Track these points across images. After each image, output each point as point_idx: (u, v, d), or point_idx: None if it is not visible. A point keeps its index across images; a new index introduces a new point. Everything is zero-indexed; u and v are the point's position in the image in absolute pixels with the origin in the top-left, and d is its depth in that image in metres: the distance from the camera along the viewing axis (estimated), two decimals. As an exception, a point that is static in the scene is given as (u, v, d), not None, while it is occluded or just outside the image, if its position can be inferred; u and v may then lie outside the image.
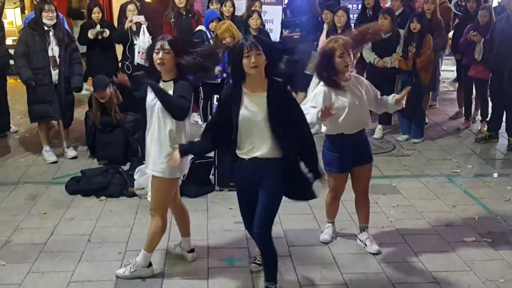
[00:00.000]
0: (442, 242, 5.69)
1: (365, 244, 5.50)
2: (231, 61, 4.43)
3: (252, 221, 4.42)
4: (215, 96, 8.01)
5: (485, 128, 8.95)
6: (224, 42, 7.80)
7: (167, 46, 4.55)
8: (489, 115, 8.99)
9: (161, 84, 4.65)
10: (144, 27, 8.74)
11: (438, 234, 5.85)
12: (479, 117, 9.47)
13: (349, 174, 5.49)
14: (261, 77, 4.29)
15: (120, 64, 9.12)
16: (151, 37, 8.56)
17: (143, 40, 8.72)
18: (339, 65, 4.99)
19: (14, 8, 12.93)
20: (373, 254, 5.38)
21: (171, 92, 4.56)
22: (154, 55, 4.59)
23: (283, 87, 4.39)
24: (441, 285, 4.90)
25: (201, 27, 8.74)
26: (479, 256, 5.41)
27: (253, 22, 8.77)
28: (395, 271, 5.16)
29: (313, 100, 5.15)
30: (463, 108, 9.68)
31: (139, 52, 8.75)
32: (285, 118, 4.28)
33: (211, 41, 8.42)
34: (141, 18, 8.64)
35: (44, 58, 7.48)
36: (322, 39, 8.68)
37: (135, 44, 8.71)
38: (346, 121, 5.11)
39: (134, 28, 8.65)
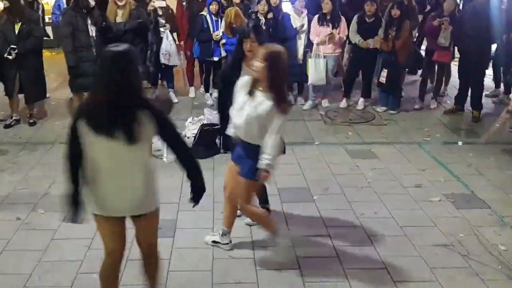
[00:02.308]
0: (412, 201, 5.70)
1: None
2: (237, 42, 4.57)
3: None
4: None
5: (434, 106, 8.91)
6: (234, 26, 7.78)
7: None
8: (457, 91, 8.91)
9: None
10: (168, 32, 8.65)
11: (409, 194, 5.86)
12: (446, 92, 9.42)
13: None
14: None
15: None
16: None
17: (166, 43, 8.66)
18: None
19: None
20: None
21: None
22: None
23: None
24: (409, 238, 4.93)
25: (204, 12, 8.55)
26: (443, 214, 5.43)
27: (261, 7, 8.52)
28: (371, 224, 5.19)
29: None
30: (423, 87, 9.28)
31: (162, 54, 8.68)
32: None
33: (210, 24, 8.37)
34: (162, 3, 8.47)
35: (86, 37, 7.41)
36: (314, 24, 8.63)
37: (160, 26, 8.53)
38: None
39: (159, 12, 8.44)
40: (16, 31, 7.34)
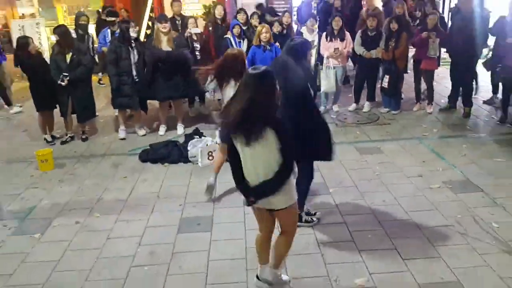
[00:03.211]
0: (415, 189, 5.72)
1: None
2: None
3: None
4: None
5: (431, 110, 8.75)
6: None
7: None
8: (449, 92, 8.88)
9: None
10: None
11: (412, 183, 5.88)
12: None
13: None
14: None
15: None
16: None
17: (211, 84, 8.73)
18: None
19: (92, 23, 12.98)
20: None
21: None
22: None
23: None
24: (414, 221, 4.97)
25: (228, 35, 8.53)
26: (442, 199, 5.44)
27: (275, 28, 8.60)
28: (381, 210, 5.23)
29: None
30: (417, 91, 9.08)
31: (209, 91, 8.52)
32: None
33: (234, 45, 8.38)
34: (198, 30, 8.56)
35: (128, 64, 7.58)
36: (323, 40, 8.71)
37: (196, 50, 8.59)
38: None
39: (194, 38, 8.52)
40: (68, 61, 7.44)
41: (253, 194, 3.53)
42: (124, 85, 7.67)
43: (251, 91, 3.29)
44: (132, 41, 7.62)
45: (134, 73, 7.67)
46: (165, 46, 7.75)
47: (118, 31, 8.20)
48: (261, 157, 3.41)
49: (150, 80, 7.80)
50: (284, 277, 4.07)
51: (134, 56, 7.64)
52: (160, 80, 7.85)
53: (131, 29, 7.59)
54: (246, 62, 8.35)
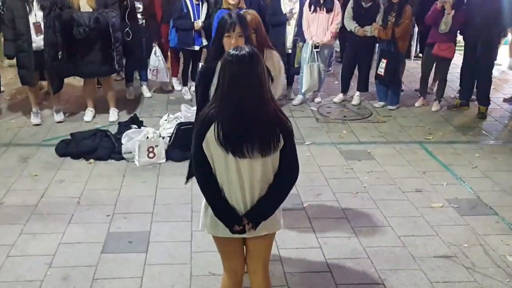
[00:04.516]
0: (411, 207, 5.78)
1: None
2: (215, 34, 4.27)
3: None
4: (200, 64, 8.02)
5: (437, 108, 8.90)
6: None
7: None
8: (460, 83, 9.02)
9: None
10: (156, 47, 8.87)
11: (408, 200, 5.94)
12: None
13: None
14: None
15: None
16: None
17: (154, 59, 8.89)
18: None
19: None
20: None
21: None
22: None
23: None
24: (408, 249, 5.01)
25: None
26: (445, 222, 5.51)
27: None
28: (366, 235, 5.25)
29: None
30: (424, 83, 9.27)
31: (150, 70, 8.95)
32: None
33: (190, 8, 8.40)
34: None
35: (24, 24, 7.43)
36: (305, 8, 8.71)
37: (137, 12, 8.57)
38: None
39: None
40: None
41: (251, 218, 3.31)
42: (20, 53, 7.55)
43: (250, 79, 3.07)
44: None
45: (35, 37, 7.51)
46: (84, 4, 7.67)
47: None
48: (259, 168, 3.22)
49: (62, 51, 7.62)
50: None
51: (34, 14, 7.48)
52: (78, 53, 7.76)
53: None
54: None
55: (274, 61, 4.77)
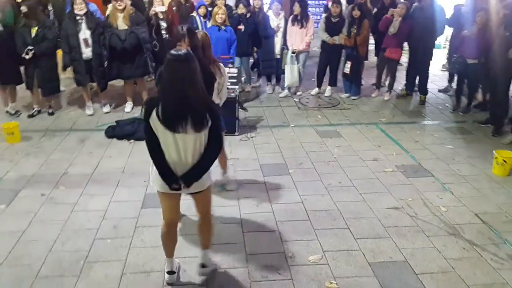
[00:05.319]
0: (369, 172, 5.82)
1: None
2: (172, 41, 4.25)
3: None
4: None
5: (388, 98, 8.84)
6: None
7: None
8: (406, 78, 9.01)
9: None
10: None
11: (367, 167, 5.99)
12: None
13: None
14: None
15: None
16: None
17: None
18: None
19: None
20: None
21: None
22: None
23: None
24: (367, 203, 5.07)
25: (193, 14, 8.50)
26: (395, 182, 5.56)
27: (240, 10, 8.56)
28: (337, 192, 5.29)
29: None
30: (378, 79, 9.22)
31: None
32: None
33: (200, 25, 8.33)
34: (163, 9, 8.28)
35: (75, 40, 7.44)
36: (289, 24, 8.71)
37: (162, 29, 8.28)
38: None
39: (160, 16, 8.19)
40: (33, 35, 7.24)
41: (184, 180, 3.37)
42: (74, 61, 7.59)
43: (185, 73, 3.13)
44: (80, 17, 7.42)
45: (84, 49, 7.52)
46: (121, 23, 7.60)
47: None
48: (191, 142, 3.27)
49: (108, 61, 7.66)
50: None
51: (83, 32, 7.47)
52: (118, 61, 7.73)
53: (75, 6, 7.39)
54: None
55: (221, 72, 4.63)
